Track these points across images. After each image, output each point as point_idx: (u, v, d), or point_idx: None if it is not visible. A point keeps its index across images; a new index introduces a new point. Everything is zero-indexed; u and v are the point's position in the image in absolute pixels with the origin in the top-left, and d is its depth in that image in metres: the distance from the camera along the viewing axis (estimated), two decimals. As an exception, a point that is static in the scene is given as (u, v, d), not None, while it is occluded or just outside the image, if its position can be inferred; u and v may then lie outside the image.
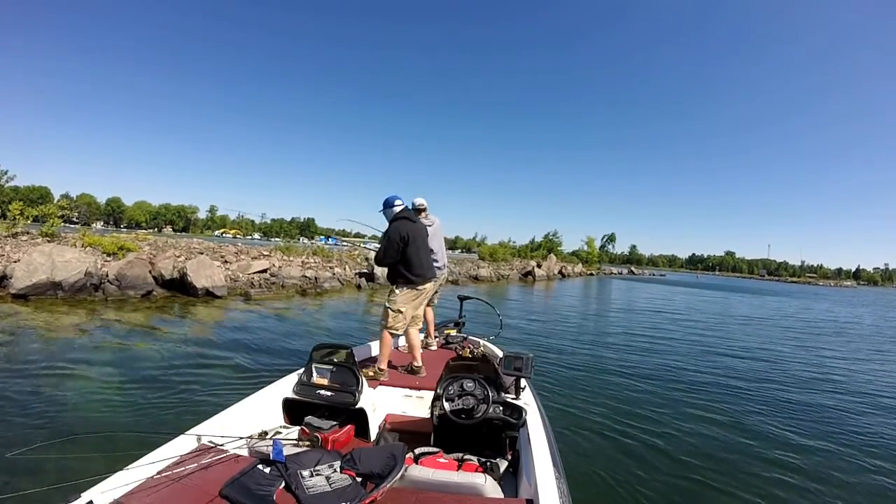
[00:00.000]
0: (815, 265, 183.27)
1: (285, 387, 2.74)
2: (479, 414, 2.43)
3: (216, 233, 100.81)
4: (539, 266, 37.99)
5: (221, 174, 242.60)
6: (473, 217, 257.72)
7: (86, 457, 2.85)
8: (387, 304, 3.67)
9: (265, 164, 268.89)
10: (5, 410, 4.12)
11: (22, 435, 3.68)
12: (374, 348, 4.13)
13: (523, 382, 2.74)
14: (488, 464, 2.22)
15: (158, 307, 9.81)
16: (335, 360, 2.77)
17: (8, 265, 9.87)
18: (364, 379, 2.70)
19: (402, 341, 4.25)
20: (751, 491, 3.54)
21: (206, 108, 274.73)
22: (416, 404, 3.12)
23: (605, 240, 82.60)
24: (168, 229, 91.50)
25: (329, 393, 2.61)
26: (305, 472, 1.69)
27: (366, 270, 17.92)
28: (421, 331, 4.23)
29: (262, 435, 2.21)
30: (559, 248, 60.31)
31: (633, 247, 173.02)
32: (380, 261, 3.71)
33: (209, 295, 11.06)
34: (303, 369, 2.79)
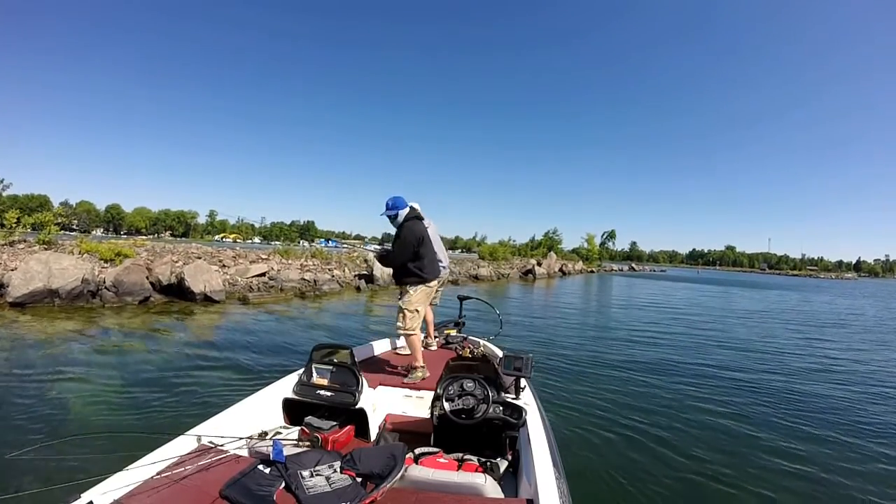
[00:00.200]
0: (816, 258, 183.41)
1: (285, 387, 2.74)
2: (479, 414, 2.42)
3: (216, 237, 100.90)
4: (539, 264, 37.95)
5: (221, 179, 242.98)
6: (473, 217, 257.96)
7: (86, 457, 2.92)
8: (403, 306, 3.62)
9: (265, 167, 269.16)
10: (6, 413, 4.15)
11: (22, 436, 3.71)
12: (375, 348, 4.10)
13: (523, 382, 2.73)
14: (488, 464, 2.21)
15: (156, 313, 9.78)
16: (335, 360, 2.76)
17: (5, 273, 9.85)
18: (364, 379, 2.68)
19: (400, 342, 4.25)
20: (754, 488, 3.49)
21: (205, 113, 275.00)
22: (416, 404, 3.11)
23: (605, 237, 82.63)
24: (166, 235, 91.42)
25: (329, 393, 2.61)
26: (305, 473, 1.69)
27: (365, 272, 17.87)
28: (421, 330, 4.20)
29: (262, 435, 2.22)
30: (559, 246, 60.31)
31: (634, 243, 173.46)
32: (394, 261, 3.67)
33: (207, 300, 11.02)
34: (303, 369, 2.78)
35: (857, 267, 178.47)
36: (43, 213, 13.43)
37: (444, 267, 4.29)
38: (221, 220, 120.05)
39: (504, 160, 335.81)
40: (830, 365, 8.27)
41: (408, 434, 2.76)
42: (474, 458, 2.24)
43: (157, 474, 1.69)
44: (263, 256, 16.79)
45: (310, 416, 2.49)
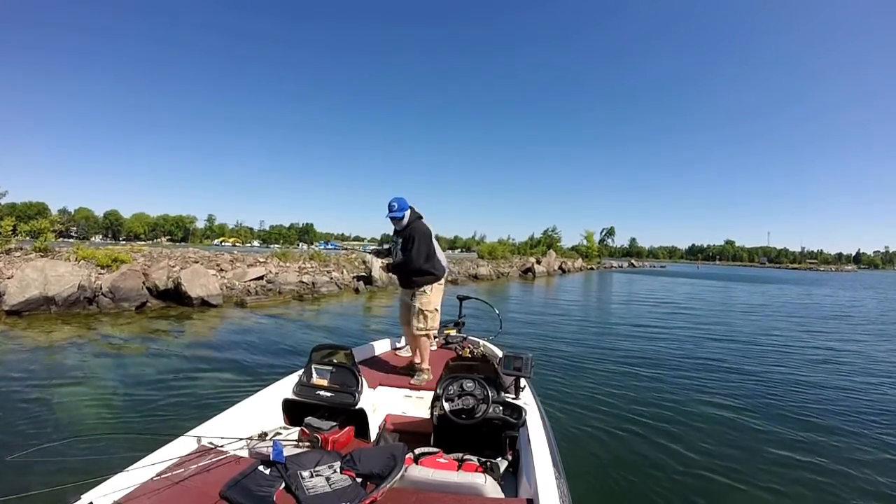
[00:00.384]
0: (816, 251, 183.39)
1: (285, 388, 2.74)
2: (478, 414, 2.42)
3: (215, 241, 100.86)
4: (539, 262, 37.92)
5: (220, 183, 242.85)
6: (472, 216, 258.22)
7: (86, 459, 2.95)
8: (422, 307, 3.57)
9: (263, 171, 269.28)
10: (5, 417, 4.15)
11: (23, 438, 3.71)
12: (375, 349, 4.10)
13: (523, 382, 2.73)
14: (488, 464, 2.21)
15: (153, 318, 9.74)
16: (335, 360, 2.77)
17: (1, 282, 9.79)
18: (364, 379, 2.67)
19: (401, 342, 4.26)
20: (759, 484, 3.46)
21: (204, 118, 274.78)
22: (416, 404, 3.11)
23: (604, 233, 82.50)
24: (163, 240, 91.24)
25: (329, 394, 2.61)
26: (305, 473, 1.69)
27: (363, 274, 17.83)
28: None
29: (263, 436, 2.23)
30: (559, 244, 60.31)
31: (633, 239, 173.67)
32: (412, 264, 3.53)
33: (205, 304, 10.97)
34: (302, 370, 2.79)
35: (857, 259, 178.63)
36: (39, 221, 13.38)
37: (444, 265, 4.32)
38: (220, 224, 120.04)
39: (503, 159, 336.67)
40: (834, 357, 8.25)
41: (408, 434, 2.76)
42: (474, 458, 2.24)
43: (158, 475, 1.70)
44: (261, 260, 16.76)
45: (310, 417, 2.49)
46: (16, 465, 2.99)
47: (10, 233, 12.63)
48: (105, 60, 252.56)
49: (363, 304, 13.91)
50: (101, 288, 10.28)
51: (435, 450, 2.27)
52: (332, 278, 16.33)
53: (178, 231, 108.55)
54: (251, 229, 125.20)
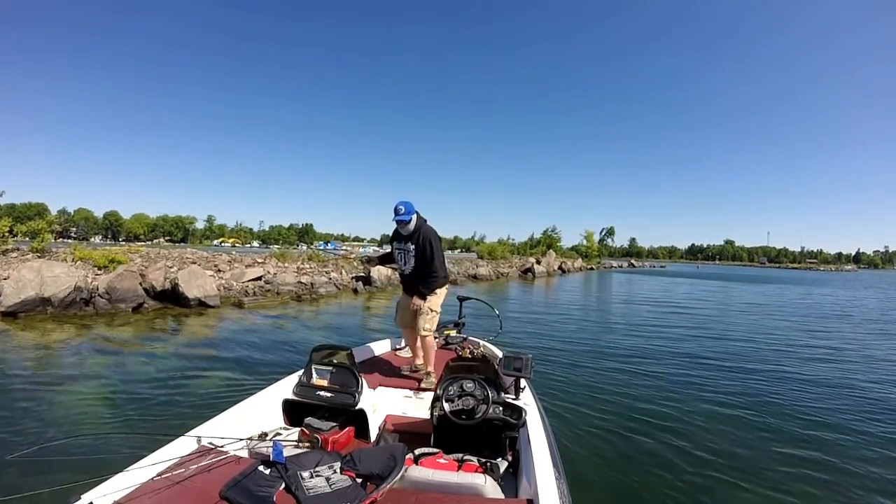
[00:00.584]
0: (815, 250, 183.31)
1: (285, 388, 2.75)
2: (479, 414, 2.42)
3: (215, 242, 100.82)
4: (538, 263, 37.87)
5: (220, 184, 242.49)
6: (472, 216, 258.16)
7: (86, 458, 2.95)
8: (430, 307, 3.50)
9: (263, 171, 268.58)
10: (4, 416, 4.14)
11: (22, 438, 3.70)
12: (375, 349, 4.09)
13: (523, 383, 2.73)
14: (488, 464, 2.21)
15: (150, 319, 9.69)
16: (335, 361, 2.77)
17: (-4, 283, 9.73)
18: (364, 380, 2.67)
19: (401, 342, 4.24)
20: (760, 485, 3.43)
21: (203, 118, 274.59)
22: (416, 405, 3.10)
23: (603, 233, 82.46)
24: (162, 241, 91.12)
25: (329, 394, 2.62)
26: (305, 474, 1.69)
27: (363, 274, 17.78)
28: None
29: (262, 436, 2.24)
30: (558, 244, 60.14)
31: (633, 239, 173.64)
32: (439, 270, 3.42)
33: (202, 305, 10.92)
34: (302, 371, 2.79)
35: (857, 259, 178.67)
36: (36, 221, 13.33)
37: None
38: (220, 224, 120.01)
39: (502, 158, 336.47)
40: (836, 355, 8.24)
41: (408, 435, 2.75)
42: (474, 459, 2.24)
43: (158, 475, 1.70)
44: (259, 260, 16.70)
45: (310, 417, 2.50)
46: (15, 465, 2.98)
47: (8, 233, 12.57)
48: (105, 60, 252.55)
49: (362, 305, 13.86)
50: (97, 289, 10.23)
51: (435, 450, 2.27)
52: (330, 279, 16.28)
53: (178, 232, 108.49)
54: (251, 230, 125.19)
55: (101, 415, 4.29)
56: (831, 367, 7.31)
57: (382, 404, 2.93)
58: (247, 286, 13.30)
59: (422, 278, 3.41)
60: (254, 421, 2.43)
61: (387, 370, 3.64)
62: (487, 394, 2.48)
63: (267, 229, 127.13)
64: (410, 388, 3.33)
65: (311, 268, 17.38)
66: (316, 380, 2.71)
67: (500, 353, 3.53)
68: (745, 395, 5.65)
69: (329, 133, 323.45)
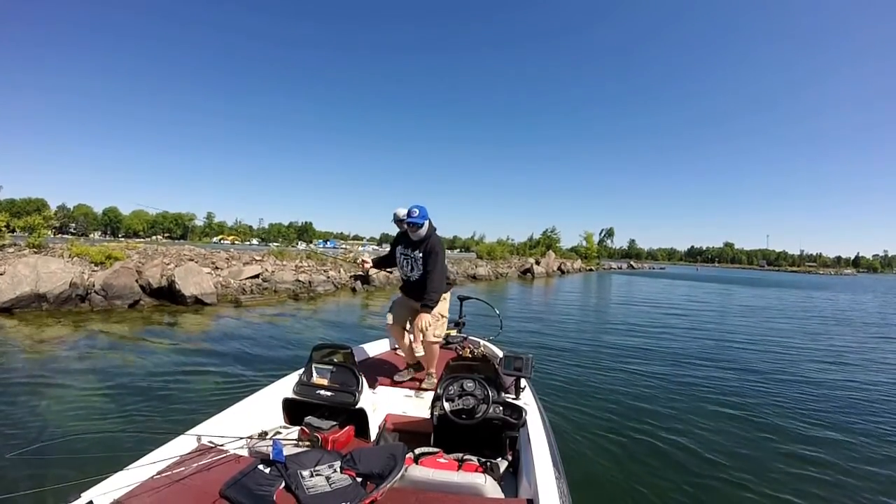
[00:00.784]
0: (815, 254, 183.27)
1: (285, 387, 2.75)
2: (479, 414, 2.42)
3: (214, 239, 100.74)
4: (538, 263, 37.89)
5: (220, 181, 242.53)
6: (471, 216, 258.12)
7: (86, 457, 2.93)
8: (441, 313, 3.47)
9: (263, 169, 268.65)
10: (4, 414, 4.12)
11: (21, 437, 3.69)
12: (375, 349, 4.09)
13: (523, 382, 2.74)
14: (488, 464, 2.21)
15: (146, 316, 9.64)
16: (335, 360, 2.77)
17: (-8, 278, 9.67)
18: (364, 379, 2.67)
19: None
20: (759, 486, 3.41)
21: (204, 115, 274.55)
22: (417, 404, 3.11)
23: (603, 234, 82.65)
24: (160, 237, 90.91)
25: (329, 393, 2.62)
26: (305, 473, 1.69)
27: (361, 273, 17.69)
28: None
29: (262, 435, 2.24)
30: (558, 245, 60.14)
31: (632, 241, 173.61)
32: (438, 279, 3.25)
33: (198, 302, 10.86)
34: (303, 369, 2.79)
35: (856, 263, 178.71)
36: (32, 217, 13.26)
37: None
38: (219, 221, 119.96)
39: (502, 158, 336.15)
40: (838, 359, 8.23)
41: (408, 434, 2.76)
42: (474, 458, 2.25)
43: (158, 474, 1.70)
44: (257, 258, 16.64)
45: (310, 416, 2.50)
46: (15, 464, 2.97)
47: (4, 228, 12.50)
48: (104, 58, 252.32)
49: (360, 304, 13.81)
50: (93, 285, 10.17)
51: (435, 450, 2.27)
52: (328, 277, 16.23)
53: (178, 228, 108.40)
54: (250, 227, 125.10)
55: (99, 412, 4.27)
56: (832, 370, 7.29)
57: (382, 404, 2.93)
58: (244, 284, 13.24)
59: (427, 290, 3.22)
60: (254, 419, 2.42)
61: (387, 369, 3.64)
62: (488, 393, 2.48)
63: (266, 227, 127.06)
64: (411, 388, 3.33)
65: (309, 266, 17.32)
66: (316, 379, 2.71)
67: (500, 353, 3.53)
68: (745, 396, 5.62)
69: (329, 131, 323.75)
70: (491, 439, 2.49)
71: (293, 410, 2.69)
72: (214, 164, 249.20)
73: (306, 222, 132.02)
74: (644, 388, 5.87)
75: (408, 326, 3.57)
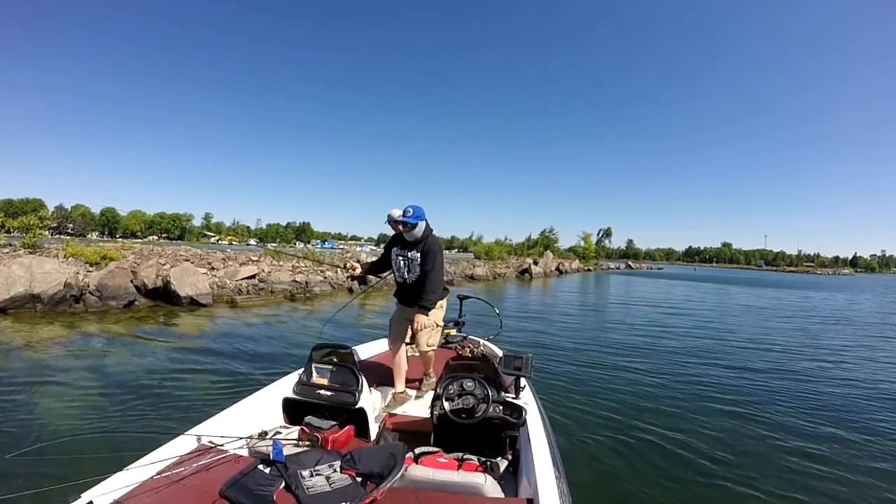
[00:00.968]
0: (812, 254, 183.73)
1: (285, 387, 2.75)
2: (479, 413, 2.43)
3: (212, 239, 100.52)
4: (536, 263, 37.91)
5: (218, 182, 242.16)
6: (469, 216, 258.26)
7: (86, 457, 2.94)
8: (437, 322, 3.37)
9: (261, 170, 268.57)
10: (4, 415, 4.11)
11: (21, 436, 3.68)
12: (375, 348, 4.14)
13: (523, 382, 2.75)
14: (488, 463, 2.22)
15: (141, 317, 9.58)
16: (335, 360, 2.77)
17: (-15, 279, 9.60)
18: (364, 379, 2.66)
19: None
20: (759, 486, 3.40)
21: (202, 116, 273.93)
22: (416, 404, 3.11)
23: (601, 235, 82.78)
24: (156, 238, 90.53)
25: (329, 393, 2.62)
26: (305, 472, 1.69)
27: (358, 273, 17.65)
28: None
29: (262, 435, 2.24)
30: (556, 245, 60.12)
31: (630, 241, 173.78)
32: (435, 282, 3.15)
33: (194, 303, 10.81)
34: (303, 369, 2.79)
35: (854, 262, 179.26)
36: (27, 217, 13.19)
37: None
38: (217, 222, 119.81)
39: (502, 159, 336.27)
40: (839, 358, 8.24)
41: (408, 434, 2.77)
42: (474, 458, 2.25)
43: (157, 474, 1.70)
44: (254, 258, 16.59)
45: (310, 416, 2.50)
46: (15, 464, 2.97)
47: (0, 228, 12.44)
48: (104, 58, 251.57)
49: (357, 304, 13.76)
50: (88, 286, 10.11)
51: (435, 449, 2.27)
52: (325, 278, 16.19)
53: (175, 229, 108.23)
54: (248, 227, 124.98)
55: (98, 413, 4.26)
56: (831, 368, 7.30)
57: (382, 403, 2.94)
58: (240, 284, 13.19)
59: (424, 291, 3.12)
60: (254, 419, 2.42)
61: (387, 370, 3.61)
62: (487, 393, 2.48)
63: (264, 227, 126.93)
64: (411, 388, 3.32)
65: (306, 266, 17.27)
66: (316, 378, 2.71)
67: (500, 353, 3.52)
68: (744, 394, 5.63)
69: (329, 131, 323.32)
70: (491, 439, 2.49)
71: (293, 410, 2.69)
72: (213, 164, 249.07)
73: (304, 223, 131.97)
74: (643, 386, 5.88)
75: (407, 339, 3.46)
